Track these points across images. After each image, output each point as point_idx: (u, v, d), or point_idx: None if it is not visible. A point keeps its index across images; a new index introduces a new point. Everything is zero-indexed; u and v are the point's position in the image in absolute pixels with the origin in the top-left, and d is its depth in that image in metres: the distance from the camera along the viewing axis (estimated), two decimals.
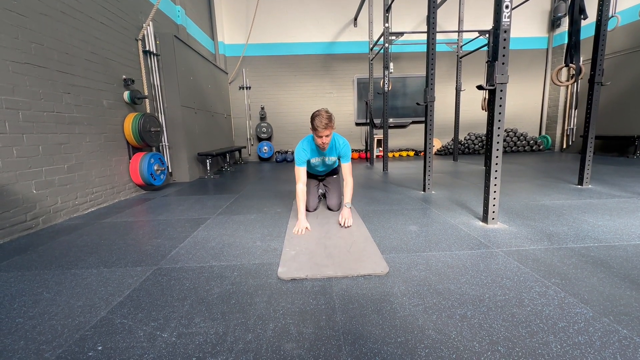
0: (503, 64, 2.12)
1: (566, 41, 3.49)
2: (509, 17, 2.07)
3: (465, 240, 2.04)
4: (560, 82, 3.49)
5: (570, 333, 1.11)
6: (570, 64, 3.29)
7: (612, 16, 3.27)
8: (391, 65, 5.54)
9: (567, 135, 7.77)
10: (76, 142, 3.05)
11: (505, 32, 2.09)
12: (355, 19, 7.62)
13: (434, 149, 8.35)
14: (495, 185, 2.26)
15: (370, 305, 1.33)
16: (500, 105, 2.18)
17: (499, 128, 2.20)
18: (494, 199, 2.28)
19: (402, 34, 5.01)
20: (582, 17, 3.25)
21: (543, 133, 8.42)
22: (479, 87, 2.24)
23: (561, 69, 3.46)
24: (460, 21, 6.23)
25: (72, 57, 3.01)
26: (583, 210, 2.61)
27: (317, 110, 2.33)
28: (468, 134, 8.17)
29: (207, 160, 5.23)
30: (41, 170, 2.65)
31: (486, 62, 5.44)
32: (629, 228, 2.15)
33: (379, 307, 1.31)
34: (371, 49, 6.04)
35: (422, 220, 2.51)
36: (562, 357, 1.00)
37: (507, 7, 2.06)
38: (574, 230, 2.15)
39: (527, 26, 7.91)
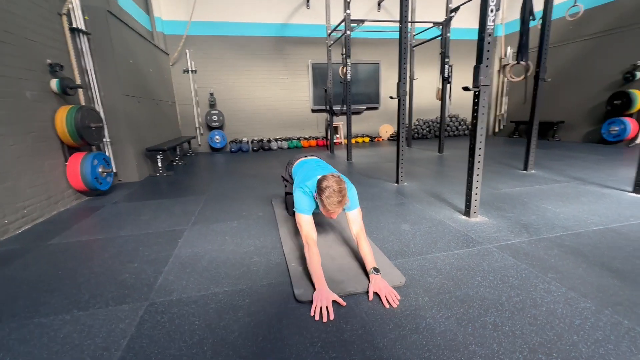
0: (487, 67, 2.21)
1: (516, 39, 3.79)
2: (494, 21, 2.15)
3: (458, 237, 2.15)
4: (513, 77, 3.83)
5: (587, 330, 1.24)
6: (521, 62, 3.61)
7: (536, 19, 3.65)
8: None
9: (499, 120, 8.71)
10: None
11: (489, 35, 2.17)
12: (308, 0, 7.31)
13: (387, 135, 8.68)
14: (477, 182, 2.41)
15: (405, 323, 1.32)
16: (484, 106, 2.28)
17: (482, 128, 2.32)
18: (476, 194, 2.44)
19: (363, 21, 4.95)
20: (531, 18, 3.56)
21: None
22: (465, 89, 2.32)
23: (514, 65, 3.76)
24: (412, 10, 6.38)
25: None
26: (539, 197, 2.95)
27: (325, 180, 1.62)
28: (417, 120, 8.63)
29: (158, 157, 4.67)
30: None
31: (440, 53, 5.69)
32: (581, 214, 2.48)
33: (414, 324, 1.31)
34: (329, 35, 5.88)
35: (409, 217, 2.58)
36: (592, 359, 1.11)
37: (492, 11, 2.13)
38: (542, 219, 2.42)
39: (469, 17, 8.45)
